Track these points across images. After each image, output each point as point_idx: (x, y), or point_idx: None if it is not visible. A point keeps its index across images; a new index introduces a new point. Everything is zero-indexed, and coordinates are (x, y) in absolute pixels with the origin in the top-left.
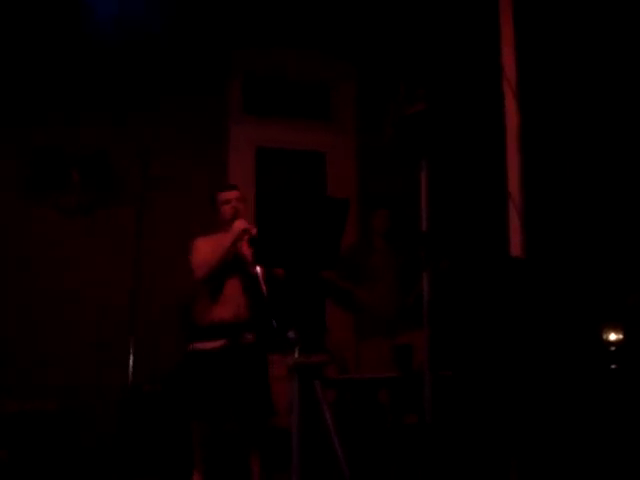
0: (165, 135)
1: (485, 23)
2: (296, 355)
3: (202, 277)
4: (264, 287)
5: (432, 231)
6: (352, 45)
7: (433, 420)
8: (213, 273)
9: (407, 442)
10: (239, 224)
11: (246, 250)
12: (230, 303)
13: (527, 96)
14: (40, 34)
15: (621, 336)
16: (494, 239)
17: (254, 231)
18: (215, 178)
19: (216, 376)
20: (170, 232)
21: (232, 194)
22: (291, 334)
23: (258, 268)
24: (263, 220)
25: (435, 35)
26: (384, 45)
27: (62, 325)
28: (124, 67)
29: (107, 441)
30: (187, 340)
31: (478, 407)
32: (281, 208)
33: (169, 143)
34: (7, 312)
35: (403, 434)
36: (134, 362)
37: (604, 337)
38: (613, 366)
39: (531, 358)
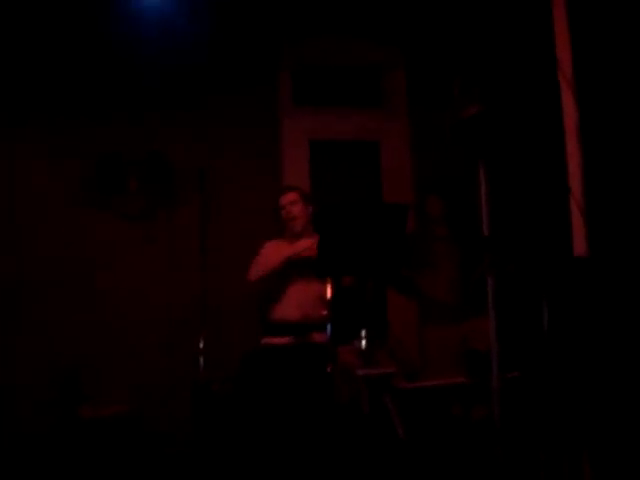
0: (218, 134)
1: (538, 15)
2: (362, 345)
3: (253, 281)
4: (329, 292)
5: (495, 234)
6: (400, 31)
7: (502, 421)
8: (265, 279)
9: (475, 437)
10: (303, 244)
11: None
12: (296, 303)
13: (585, 89)
14: (99, 40)
15: None
16: (557, 238)
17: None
18: (271, 175)
19: (281, 372)
20: (230, 230)
21: (285, 199)
22: (357, 343)
23: None
24: (323, 233)
25: (485, 25)
26: (432, 30)
27: (129, 328)
28: (173, 68)
29: (179, 442)
30: (258, 335)
31: (547, 408)
32: (340, 220)
33: (223, 142)
34: (73, 316)
35: (471, 429)
36: (202, 361)
37: None
38: None
39: (599, 358)
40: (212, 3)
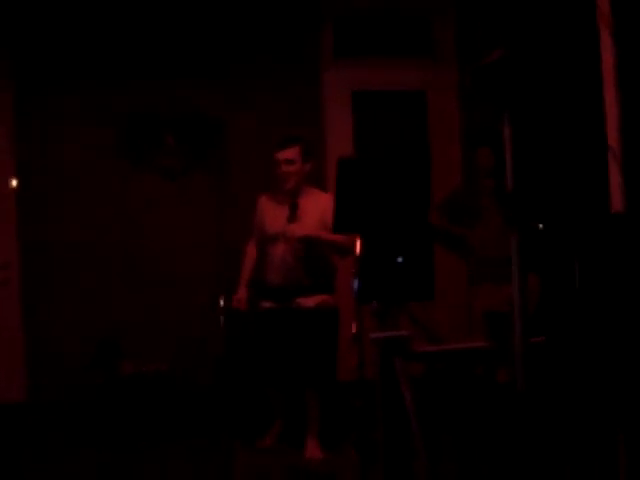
0: (259, 91)
1: None
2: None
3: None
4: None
5: (519, 190)
6: None
7: (526, 387)
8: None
9: (498, 402)
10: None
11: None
12: (278, 267)
13: (625, 30)
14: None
15: None
16: (593, 194)
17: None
18: (312, 130)
19: (267, 336)
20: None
21: (282, 154)
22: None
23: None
24: (342, 187)
25: None
26: None
27: (164, 287)
28: (213, 24)
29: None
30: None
31: (577, 377)
32: (360, 174)
33: (264, 98)
34: (113, 279)
35: (494, 392)
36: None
37: None
38: None
39: (634, 321)
40: None
